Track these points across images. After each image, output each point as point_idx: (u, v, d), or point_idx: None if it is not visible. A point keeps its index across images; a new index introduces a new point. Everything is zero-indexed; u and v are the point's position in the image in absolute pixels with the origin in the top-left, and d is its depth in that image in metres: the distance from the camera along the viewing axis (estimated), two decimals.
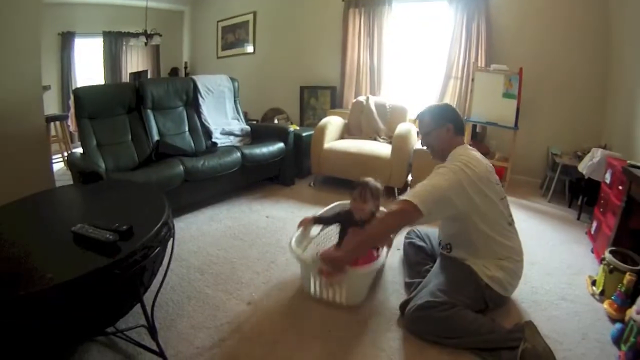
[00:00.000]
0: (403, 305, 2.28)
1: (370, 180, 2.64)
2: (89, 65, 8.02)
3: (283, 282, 2.68)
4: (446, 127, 2.40)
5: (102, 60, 8.19)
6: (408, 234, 2.99)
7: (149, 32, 7.40)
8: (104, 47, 8.13)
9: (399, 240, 3.03)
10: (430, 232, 2.90)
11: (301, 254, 2.52)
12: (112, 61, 8.25)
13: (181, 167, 3.59)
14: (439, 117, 2.43)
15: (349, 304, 2.41)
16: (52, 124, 5.68)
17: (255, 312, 2.34)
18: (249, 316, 2.30)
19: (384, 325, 2.25)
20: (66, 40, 7.45)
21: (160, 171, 3.48)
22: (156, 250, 1.80)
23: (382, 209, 2.68)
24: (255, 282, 2.66)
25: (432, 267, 2.53)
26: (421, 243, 2.82)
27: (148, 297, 1.99)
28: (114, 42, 8.17)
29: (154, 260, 1.89)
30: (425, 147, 2.60)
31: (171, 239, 2.00)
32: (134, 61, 8.60)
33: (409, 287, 2.57)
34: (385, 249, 2.57)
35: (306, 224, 2.80)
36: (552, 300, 2.51)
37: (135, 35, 7.61)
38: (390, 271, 2.86)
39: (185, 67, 8.84)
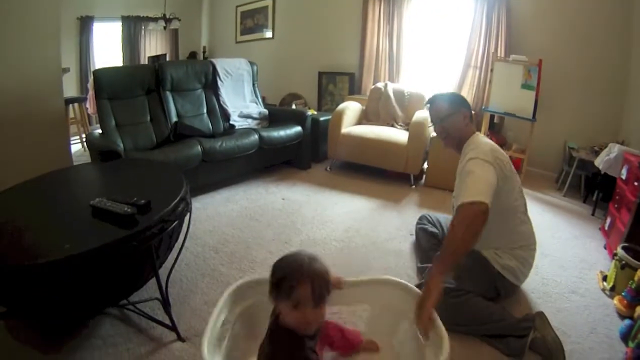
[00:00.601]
0: None
1: (306, 257, 1.39)
2: (107, 49, 8.04)
3: None
4: (462, 113, 2.30)
5: (121, 44, 8.20)
6: (420, 219, 2.97)
7: (167, 16, 7.42)
8: (122, 31, 8.13)
9: (412, 223, 3.03)
10: (442, 217, 2.90)
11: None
12: (131, 45, 8.25)
13: (199, 148, 3.62)
14: (454, 102, 2.34)
15: None
16: (70, 106, 5.71)
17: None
18: None
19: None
20: (85, 24, 7.47)
21: (178, 151, 3.50)
22: (173, 225, 1.83)
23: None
24: (269, 261, 2.61)
25: None
26: (433, 229, 2.80)
27: (163, 273, 2.02)
28: (133, 27, 8.16)
29: (170, 235, 1.92)
30: (439, 135, 2.43)
31: (188, 214, 2.02)
32: (153, 45, 8.60)
33: (421, 271, 2.58)
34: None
35: None
36: (563, 293, 2.50)
37: (154, 19, 7.67)
38: (403, 256, 2.86)
39: (204, 52, 8.85)
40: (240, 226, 3.21)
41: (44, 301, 1.56)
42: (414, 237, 3.01)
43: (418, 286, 2.25)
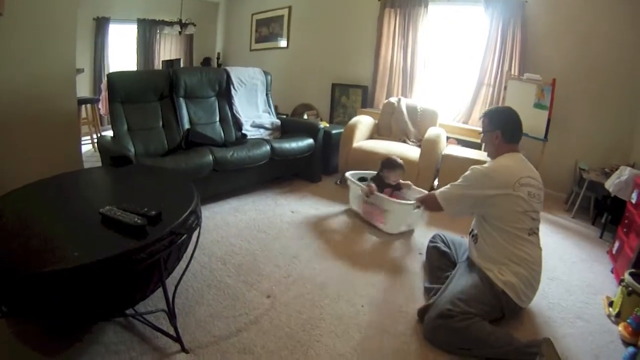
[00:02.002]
0: (421, 312, 2.29)
1: (399, 160, 3.76)
2: (122, 51, 8.11)
3: (304, 277, 2.68)
4: (495, 133, 2.48)
5: (136, 46, 8.28)
6: (433, 238, 2.98)
7: (183, 21, 7.47)
8: (137, 34, 8.21)
9: (420, 242, 3.04)
10: (456, 239, 2.90)
11: (360, 184, 3.68)
12: (145, 48, 8.35)
13: (210, 157, 3.61)
14: (492, 121, 2.53)
15: (390, 231, 3.46)
16: (82, 106, 5.75)
17: (274, 306, 2.34)
18: (267, 309, 2.30)
19: (401, 329, 2.23)
20: (101, 25, 7.53)
21: (189, 159, 3.50)
22: (183, 238, 1.82)
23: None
24: (276, 275, 2.67)
25: (451, 272, 2.54)
26: (445, 249, 2.80)
27: (170, 282, 2.02)
28: (148, 30, 8.26)
29: (179, 247, 1.91)
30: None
31: (198, 227, 2.02)
32: (167, 49, 8.71)
33: (428, 292, 2.58)
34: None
35: (373, 191, 3.52)
36: (568, 318, 2.48)
37: (170, 23, 7.75)
38: (410, 275, 2.84)
39: (218, 58, 8.90)
40: (248, 237, 3.20)
41: (50, 307, 1.55)
42: (423, 256, 3.00)
43: (424, 308, 2.26)
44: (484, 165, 2.46)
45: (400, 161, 3.72)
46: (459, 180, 2.50)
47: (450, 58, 5.87)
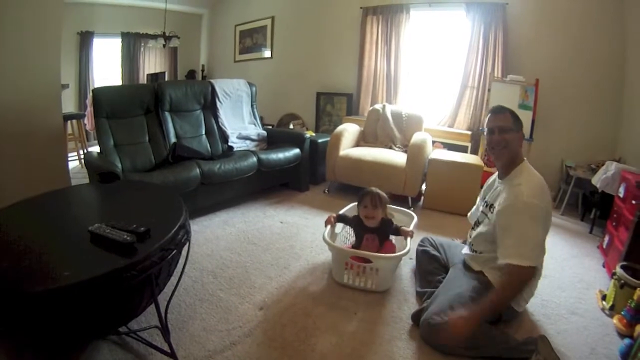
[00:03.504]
0: (415, 316, 2.29)
1: (375, 189, 2.89)
2: (106, 65, 8.09)
3: (295, 288, 2.68)
4: (521, 133, 2.31)
5: (120, 60, 8.26)
6: (422, 241, 2.98)
7: (167, 34, 7.47)
8: (122, 48, 8.19)
9: (412, 247, 2.99)
10: (444, 242, 2.91)
11: (334, 244, 2.75)
12: (130, 62, 8.32)
13: (197, 170, 3.61)
14: (517, 121, 2.29)
15: (379, 290, 2.66)
16: (68, 122, 5.72)
17: (267, 318, 2.34)
18: (261, 321, 2.30)
19: (395, 334, 2.24)
20: (85, 39, 7.52)
21: (176, 173, 3.49)
22: (172, 253, 1.82)
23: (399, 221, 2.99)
24: (268, 287, 2.66)
25: (444, 277, 2.53)
26: (435, 252, 2.80)
27: (162, 298, 2.02)
28: (132, 43, 8.23)
29: (170, 263, 1.90)
30: (495, 145, 2.28)
31: (187, 242, 2.02)
32: (152, 62, 8.67)
33: (420, 296, 2.58)
34: (409, 239, 2.76)
35: (331, 222, 2.95)
36: (562, 314, 2.51)
37: (154, 36, 7.68)
38: (402, 280, 2.86)
39: (203, 70, 8.91)
40: (239, 250, 3.20)
41: (42, 327, 1.54)
42: (413, 260, 3.00)
43: (418, 312, 2.27)
44: (531, 190, 2.12)
45: (375, 190, 2.88)
46: (523, 224, 2.08)
47: (433, 62, 5.91)
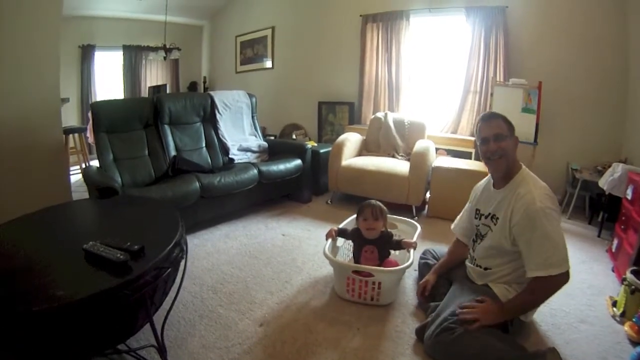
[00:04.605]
0: (419, 330, 2.22)
1: (374, 201, 2.87)
2: (108, 78, 8.19)
3: (297, 303, 2.62)
4: (515, 139, 2.20)
5: (122, 73, 8.35)
6: (424, 254, 2.92)
7: (168, 46, 7.55)
8: (123, 61, 8.32)
9: (415, 259, 2.91)
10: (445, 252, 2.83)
11: (335, 258, 2.73)
12: (132, 75, 8.41)
13: (197, 184, 3.58)
14: (510, 126, 2.19)
15: (382, 304, 2.58)
16: (70, 135, 5.74)
17: (267, 334, 2.28)
18: (261, 338, 2.25)
19: (399, 350, 2.17)
20: (86, 53, 7.66)
21: (176, 187, 3.46)
22: (167, 271, 1.77)
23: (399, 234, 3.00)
24: (269, 302, 2.61)
25: (449, 290, 2.45)
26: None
27: (160, 315, 1.99)
28: (134, 56, 8.34)
29: (165, 281, 1.86)
30: (491, 154, 2.19)
31: (183, 259, 1.97)
32: (154, 75, 8.77)
33: (424, 310, 2.50)
34: (412, 250, 2.71)
35: (332, 236, 2.91)
36: (572, 323, 2.44)
37: (155, 49, 7.76)
38: (406, 292, 2.79)
39: (204, 82, 8.93)
40: (240, 264, 3.15)
41: (37, 347, 1.51)
42: (417, 273, 2.94)
43: (422, 327, 2.20)
44: (542, 196, 2.05)
45: (374, 202, 2.85)
46: (544, 232, 2.00)
47: (434, 69, 5.88)
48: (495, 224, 2.23)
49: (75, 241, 1.85)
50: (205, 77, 8.97)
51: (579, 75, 4.75)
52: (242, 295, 2.69)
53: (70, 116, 7.12)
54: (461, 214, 2.68)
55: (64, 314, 1.41)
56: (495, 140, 2.15)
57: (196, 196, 3.55)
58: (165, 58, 7.67)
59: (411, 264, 2.57)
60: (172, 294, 2.05)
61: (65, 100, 6.11)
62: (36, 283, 1.56)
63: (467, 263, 2.49)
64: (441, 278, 2.60)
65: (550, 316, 2.49)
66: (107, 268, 1.62)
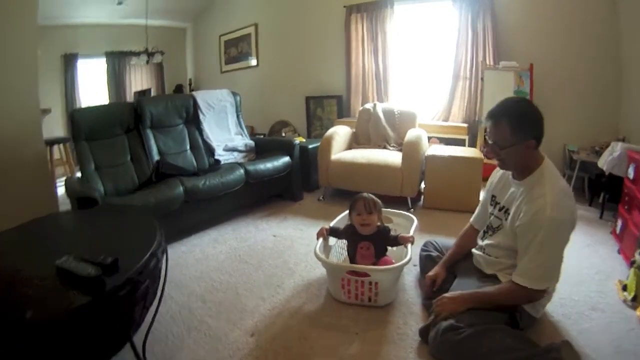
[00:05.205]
0: (423, 331, 2.08)
1: (367, 194, 2.71)
2: (93, 86, 8.12)
3: (290, 308, 2.48)
4: (526, 144, 1.94)
5: (106, 80, 8.26)
6: (425, 246, 2.76)
7: (150, 50, 7.52)
8: (107, 68, 8.22)
9: (415, 252, 2.73)
10: (448, 243, 2.66)
11: (327, 259, 2.61)
12: (116, 81, 8.33)
13: (181, 188, 3.43)
14: (521, 130, 1.93)
15: (381, 304, 2.42)
16: (55, 146, 5.63)
17: (259, 344, 2.14)
18: (252, 349, 2.11)
19: (402, 354, 2.03)
20: (69, 61, 7.58)
21: (159, 193, 3.32)
22: (145, 284, 1.65)
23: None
24: (261, 309, 2.46)
25: (452, 285, 2.30)
26: (440, 257, 2.58)
27: (144, 331, 1.89)
28: (117, 62, 8.25)
29: (144, 294, 1.74)
30: (489, 154, 2.07)
31: (162, 270, 1.85)
32: (138, 80, 8.68)
33: (427, 308, 2.34)
34: (409, 245, 2.55)
35: (324, 235, 2.75)
36: (583, 312, 2.33)
37: (137, 53, 7.70)
38: (406, 290, 2.64)
39: (190, 84, 8.85)
40: (230, 270, 3.00)
41: None
42: (417, 268, 2.79)
43: (425, 327, 2.06)
44: (556, 203, 1.86)
45: (367, 194, 2.69)
46: (544, 244, 1.85)
47: (422, 56, 5.81)
48: (506, 219, 2.09)
49: (49, 257, 1.73)
50: (190, 80, 8.89)
51: (571, 54, 4.69)
52: (232, 304, 2.55)
53: (55, 126, 7.06)
54: (481, 202, 2.51)
55: (32, 336, 1.31)
56: (493, 146, 2.01)
57: (180, 201, 3.40)
58: (147, 62, 7.64)
59: (409, 260, 2.41)
60: (154, 308, 1.93)
61: (46, 112, 5.98)
62: (7, 303, 1.47)
63: (475, 251, 2.34)
64: (447, 272, 2.45)
65: (560, 306, 2.37)
66: (79, 284, 1.50)
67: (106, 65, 8.19)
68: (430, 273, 2.42)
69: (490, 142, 2.02)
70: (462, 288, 2.13)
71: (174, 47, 8.69)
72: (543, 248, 1.85)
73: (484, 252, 2.25)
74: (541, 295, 1.91)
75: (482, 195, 2.55)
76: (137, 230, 2.17)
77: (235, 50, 7.81)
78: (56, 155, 5.68)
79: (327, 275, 2.61)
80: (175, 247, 3.38)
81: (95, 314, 1.43)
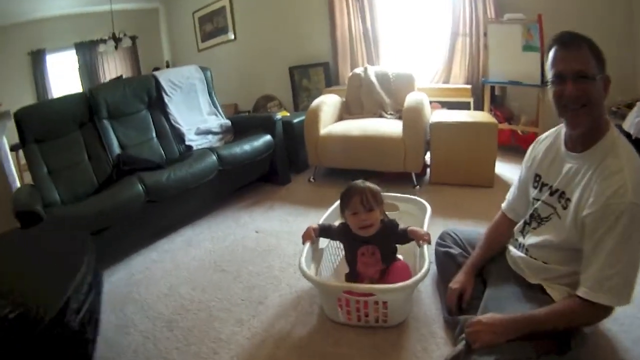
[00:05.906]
0: None
1: (362, 182, 2.05)
2: (66, 81, 7.94)
3: (274, 334, 1.95)
4: (607, 79, 1.52)
5: (78, 72, 8.10)
6: (442, 239, 2.17)
7: (117, 35, 7.36)
8: (78, 59, 8.10)
9: (430, 247, 2.13)
10: (472, 235, 2.10)
11: (317, 277, 2.05)
12: (89, 72, 8.19)
13: (139, 186, 2.90)
14: (600, 59, 1.50)
15: (391, 325, 1.87)
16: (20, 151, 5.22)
17: None
18: None
19: None
20: (37, 58, 7.45)
21: (114, 195, 2.84)
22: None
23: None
24: (238, 337, 1.94)
25: (483, 293, 1.75)
26: (463, 256, 2.00)
27: None
28: (88, 52, 8.12)
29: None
30: (572, 99, 1.44)
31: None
32: (112, 68, 8.50)
33: (451, 327, 1.80)
34: (425, 247, 1.97)
35: (311, 237, 2.16)
36: (636, 315, 1.80)
37: (104, 41, 7.53)
38: (422, 301, 2.09)
39: (167, 66, 8.47)
40: (203, 282, 2.48)
41: None
42: (432, 264, 2.14)
43: (456, 358, 1.52)
44: (631, 187, 1.32)
45: (362, 184, 2.04)
46: (626, 237, 1.31)
47: (415, 12, 5.37)
48: (564, 208, 1.53)
49: None
50: (167, 62, 8.53)
51: (583, 4, 4.26)
52: (204, 331, 2.03)
53: None
54: (516, 183, 1.93)
55: None
56: (575, 80, 1.42)
57: (141, 201, 2.87)
58: (116, 47, 7.45)
59: (427, 271, 1.83)
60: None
61: (4, 115, 5.47)
62: None
63: (513, 250, 1.78)
64: (475, 277, 1.88)
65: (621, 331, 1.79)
66: None
67: (77, 56, 8.03)
68: (455, 285, 1.81)
69: (571, 70, 1.44)
70: (498, 304, 1.59)
71: (148, 30, 8.33)
72: (621, 248, 1.31)
73: (526, 254, 1.68)
74: (608, 314, 1.40)
75: (517, 174, 1.93)
76: (60, 260, 1.68)
77: (211, 25, 7.40)
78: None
79: (319, 293, 2.10)
80: (144, 255, 2.93)
81: None
